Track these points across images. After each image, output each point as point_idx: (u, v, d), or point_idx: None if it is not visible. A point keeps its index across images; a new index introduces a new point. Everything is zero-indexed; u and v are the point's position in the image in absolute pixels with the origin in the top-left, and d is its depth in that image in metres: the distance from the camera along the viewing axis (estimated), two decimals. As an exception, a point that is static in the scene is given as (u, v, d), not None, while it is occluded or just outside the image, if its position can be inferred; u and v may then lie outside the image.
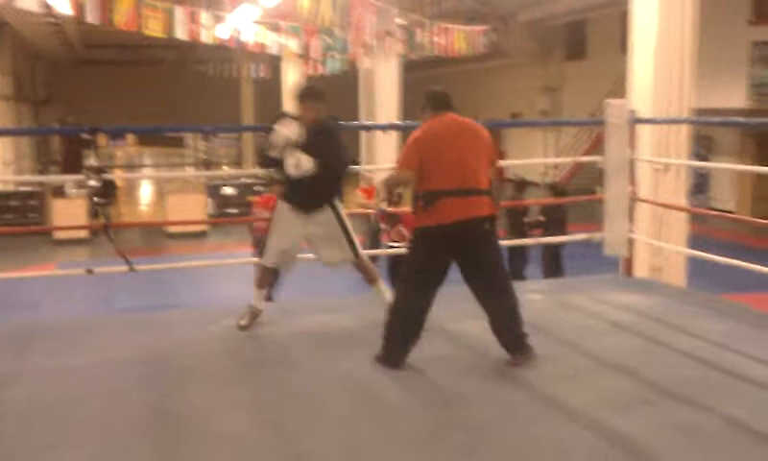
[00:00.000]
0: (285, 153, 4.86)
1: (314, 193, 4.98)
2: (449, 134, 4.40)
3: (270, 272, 5.26)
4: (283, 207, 5.07)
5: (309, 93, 5.05)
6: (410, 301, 4.41)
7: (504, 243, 5.17)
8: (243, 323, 5.10)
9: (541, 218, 10.63)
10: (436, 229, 4.31)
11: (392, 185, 4.64)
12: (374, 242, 13.98)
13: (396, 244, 10.26)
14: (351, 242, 5.13)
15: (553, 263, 10.65)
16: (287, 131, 4.87)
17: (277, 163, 4.95)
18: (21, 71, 29.16)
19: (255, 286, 5.21)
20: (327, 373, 4.35)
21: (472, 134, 4.48)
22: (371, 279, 5.26)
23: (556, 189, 13.07)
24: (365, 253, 5.36)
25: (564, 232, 9.57)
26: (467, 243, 4.34)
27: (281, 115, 5.05)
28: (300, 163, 4.82)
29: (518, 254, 10.67)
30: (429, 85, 4.66)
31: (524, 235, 10.28)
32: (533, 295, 6.17)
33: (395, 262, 10.45)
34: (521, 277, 10.26)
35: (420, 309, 4.39)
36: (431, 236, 4.34)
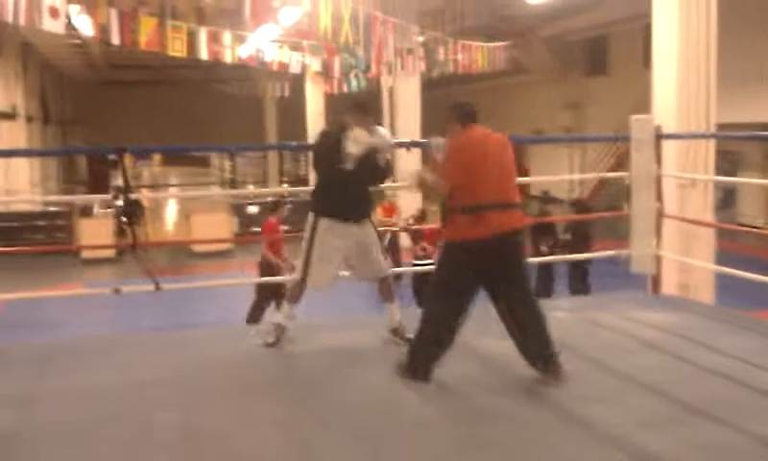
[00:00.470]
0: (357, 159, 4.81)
1: (360, 201, 4.98)
2: (486, 148, 4.43)
3: (304, 287, 5.10)
4: (322, 223, 4.94)
5: (367, 107, 5.08)
6: (444, 313, 4.38)
7: (531, 260, 5.15)
8: (270, 340, 5.08)
9: (569, 237, 10.51)
10: (478, 242, 4.29)
11: (429, 191, 4.73)
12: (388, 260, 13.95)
13: (420, 261, 10.29)
14: (383, 256, 5.14)
15: (580, 280, 10.56)
16: (365, 137, 4.84)
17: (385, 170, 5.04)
18: (47, 92, 29.55)
19: (287, 301, 5.18)
20: (354, 390, 4.34)
21: (504, 147, 4.52)
22: (389, 297, 5.20)
23: (579, 206, 13.00)
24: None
25: (588, 249, 9.49)
26: (501, 256, 4.34)
27: (343, 126, 4.93)
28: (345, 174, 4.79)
29: (546, 272, 10.61)
30: (451, 102, 4.63)
31: (551, 253, 10.21)
32: (560, 313, 6.12)
33: (420, 280, 10.45)
34: (549, 294, 10.19)
35: (453, 322, 4.36)
36: (470, 250, 4.30)
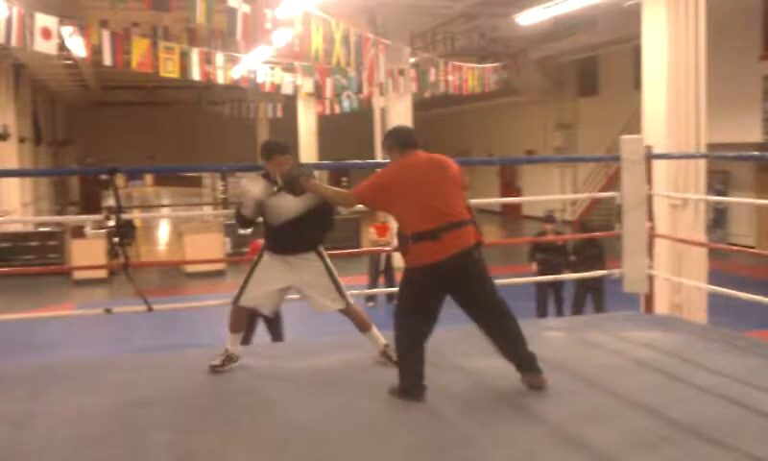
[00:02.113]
0: (256, 210, 4.98)
1: (298, 238, 4.98)
2: (422, 173, 4.46)
3: (244, 315, 5.18)
4: (265, 255, 5.07)
5: (275, 148, 5.07)
6: (411, 328, 4.46)
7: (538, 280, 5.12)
8: (215, 363, 5.03)
9: (572, 259, 10.38)
10: (431, 266, 4.35)
11: (326, 196, 4.86)
12: (377, 279, 13.96)
13: None
14: (339, 289, 5.08)
15: (587, 301, 10.43)
16: (255, 189, 4.96)
17: (251, 222, 5.10)
18: (39, 113, 29.55)
19: (230, 331, 5.14)
20: (346, 412, 4.32)
21: (442, 168, 4.55)
22: (363, 327, 5.19)
23: (586, 226, 12.86)
24: (355, 295, 5.34)
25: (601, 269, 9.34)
26: (460, 275, 4.40)
27: (257, 172, 5.15)
28: (281, 210, 4.93)
29: (556, 292, 10.52)
30: (389, 129, 4.77)
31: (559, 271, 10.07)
32: (553, 332, 6.14)
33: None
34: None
35: (423, 333, 4.46)
36: (427, 273, 4.37)
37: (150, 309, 5.40)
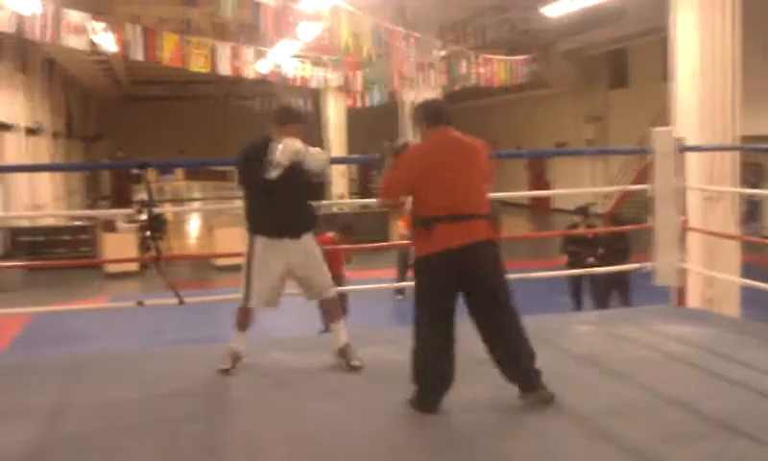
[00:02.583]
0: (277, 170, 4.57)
1: (295, 217, 4.75)
2: (446, 154, 4.15)
3: (251, 314, 4.94)
4: (259, 242, 4.78)
5: (296, 114, 4.85)
6: (428, 341, 4.10)
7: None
8: (224, 367, 4.86)
9: (601, 252, 10.26)
10: (437, 256, 4.03)
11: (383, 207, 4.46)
12: (406, 273, 13.93)
13: None
14: (326, 274, 4.93)
15: (615, 295, 10.35)
16: (293, 145, 4.59)
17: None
18: (71, 108, 29.89)
19: (236, 328, 4.96)
20: (375, 407, 4.31)
21: (471, 153, 4.22)
22: (333, 317, 4.99)
23: (617, 218, 12.72)
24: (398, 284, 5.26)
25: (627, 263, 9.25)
26: (469, 268, 4.06)
27: (264, 140, 4.72)
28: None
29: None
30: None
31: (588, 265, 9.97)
32: (583, 326, 6.11)
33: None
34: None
35: (440, 348, 4.09)
36: (436, 263, 4.05)
37: (181, 302, 5.43)
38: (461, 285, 4.09)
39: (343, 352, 4.93)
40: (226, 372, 4.84)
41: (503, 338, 4.13)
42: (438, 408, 4.10)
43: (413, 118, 4.42)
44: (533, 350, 4.13)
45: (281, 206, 4.66)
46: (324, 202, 5.18)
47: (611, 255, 9.65)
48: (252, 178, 4.71)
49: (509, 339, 4.12)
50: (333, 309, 5.00)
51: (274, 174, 4.57)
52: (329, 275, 4.99)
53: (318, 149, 4.85)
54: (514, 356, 4.11)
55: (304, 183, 4.73)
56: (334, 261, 9.72)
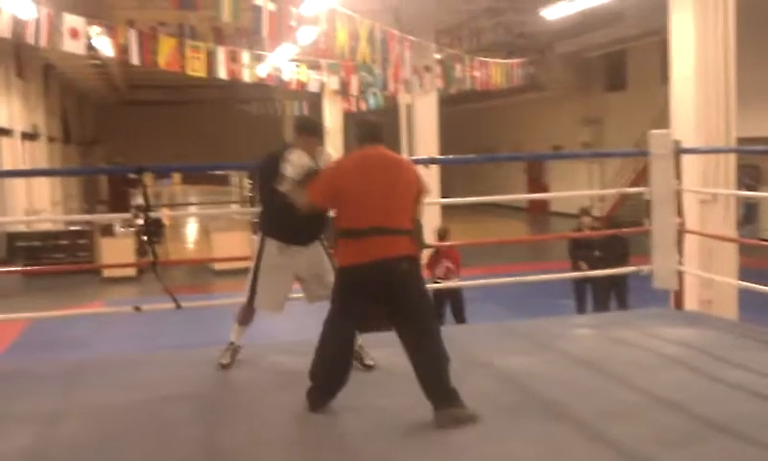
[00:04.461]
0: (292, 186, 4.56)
1: (306, 225, 4.77)
2: (372, 170, 4.20)
3: (253, 312, 5.03)
4: (269, 245, 4.88)
5: (311, 127, 4.90)
6: (331, 346, 4.20)
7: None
8: (224, 361, 5.00)
9: (597, 254, 10.28)
10: (357, 268, 4.10)
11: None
12: None
13: (440, 279, 10.23)
14: (330, 280, 4.86)
15: (613, 298, 10.39)
16: (303, 160, 4.55)
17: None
18: (68, 113, 29.88)
19: (237, 322, 5.09)
20: (372, 412, 4.27)
21: (397, 170, 4.27)
22: None
23: (614, 222, 12.76)
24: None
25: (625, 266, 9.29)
26: (384, 285, 4.09)
27: (285, 147, 4.75)
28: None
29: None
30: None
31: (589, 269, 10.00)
32: (581, 329, 6.11)
33: (438, 298, 10.41)
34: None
35: (340, 354, 4.20)
36: (353, 276, 4.14)
37: (179, 307, 5.43)
38: (378, 299, 4.14)
39: (356, 355, 4.91)
40: (226, 367, 4.98)
41: (418, 355, 4.10)
42: (324, 409, 4.20)
43: (354, 135, 4.44)
44: (446, 367, 4.06)
45: (294, 214, 4.64)
46: None
47: (609, 259, 9.67)
48: (268, 188, 4.81)
49: (423, 356, 4.09)
50: None
51: (283, 187, 4.59)
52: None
53: (329, 153, 4.91)
54: (427, 373, 4.07)
55: None
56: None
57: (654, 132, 6.34)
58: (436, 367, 4.06)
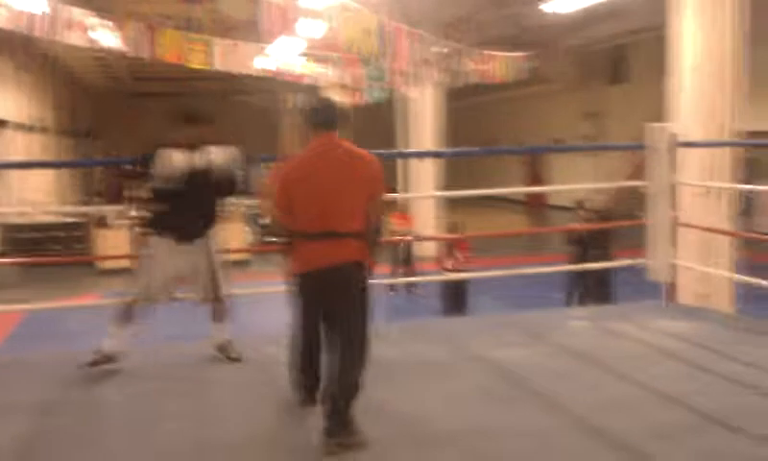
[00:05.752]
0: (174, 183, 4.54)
1: (193, 220, 4.71)
2: (322, 166, 3.81)
3: (133, 310, 4.82)
4: (154, 241, 4.75)
5: (198, 115, 4.76)
6: (293, 352, 4.10)
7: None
8: (88, 361, 4.77)
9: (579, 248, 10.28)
10: (306, 275, 3.83)
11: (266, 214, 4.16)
12: (402, 270, 13.93)
13: (451, 271, 10.25)
14: (217, 278, 4.91)
15: (597, 289, 10.42)
16: (181, 159, 4.55)
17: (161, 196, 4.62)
18: (70, 105, 29.86)
19: (114, 326, 4.81)
20: (364, 403, 4.10)
21: (351, 166, 3.86)
22: (220, 318, 5.05)
23: (605, 216, 12.77)
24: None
25: (608, 258, 9.35)
26: (327, 288, 3.80)
27: (163, 144, 4.67)
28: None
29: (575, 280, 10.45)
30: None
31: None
32: (576, 322, 6.10)
33: (452, 290, 10.42)
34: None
35: (300, 361, 4.06)
36: (302, 284, 3.88)
37: (174, 299, 5.41)
38: (322, 306, 3.88)
39: (222, 348, 5.07)
40: (90, 365, 4.75)
41: (337, 373, 3.72)
42: (303, 401, 4.09)
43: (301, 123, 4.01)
44: (352, 396, 3.68)
45: (178, 210, 4.63)
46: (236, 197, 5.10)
47: (597, 252, 9.74)
48: (148, 184, 4.68)
49: (340, 377, 3.71)
50: (220, 312, 5.05)
51: (156, 184, 4.58)
52: (221, 281, 4.94)
53: (220, 148, 4.79)
54: (335, 397, 3.68)
55: (199, 188, 4.65)
56: None
57: (651, 125, 6.33)
58: (346, 394, 3.67)
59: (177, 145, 4.65)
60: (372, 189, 3.89)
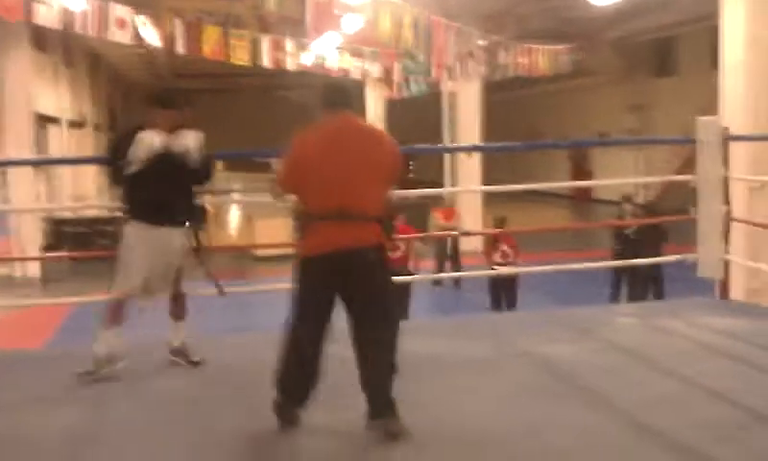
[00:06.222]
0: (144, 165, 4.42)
1: (169, 206, 4.58)
2: (337, 143, 3.67)
3: (125, 306, 4.67)
4: (129, 228, 4.61)
5: (166, 99, 4.66)
6: (295, 346, 3.71)
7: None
8: (84, 369, 4.56)
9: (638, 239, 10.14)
10: (317, 259, 3.62)
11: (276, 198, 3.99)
12: (444, 265, 13.91)
13: (500, 265, 10.19)
14: (181, 272, 4.78)
15: (646, 285, 10.29)
16: (156, 138, 4.45)
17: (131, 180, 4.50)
18: (115, 102, 30.31)
19: (105, 328, 4.64)
20: (409, 398, 3.97)
21: (366, 144, 3.73)
22: (180, 315, 4.87)
23: (650, 208, 12.63)
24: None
25: (659, 253, 9.16)
26: (345, 277, 3.62)
27: (136, 128, 4.55)
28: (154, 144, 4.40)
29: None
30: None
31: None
32: (625, 318, 6.03)
33: (499, 283, 10.36)
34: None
35: (306, 355, 3.70)
36: (312, 268, 3.65)
37: (222, 293, 5.43)
38: (338, 293, 3.66)
39: (179, 352, 4.86)
40: (87, 375, 4.56)
41: (370, 360, 3.63)
42: (296, 417, 3.76)
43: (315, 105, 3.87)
44: (391, 376, 3.62)
45: (154, 194, 4.51)
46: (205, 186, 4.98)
47: (647, 248, 9.55)
48: (114, 173, 4.60)
49: (370, 359, 3.63)
50: (181, 308, 4.89)
51: (132, 169, 4.45)
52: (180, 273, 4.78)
53: (192, 133, 4.69)
54: (369, 379, 3.63)
55: (175, 172, 4.55)
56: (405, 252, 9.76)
57: (701, 118, 6.21)
58: (385, 377, 3.61)
59: (152, 128, 4.53)
60: (388, 171, 3.76)
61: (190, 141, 4.60)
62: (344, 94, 3.83)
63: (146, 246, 4.55)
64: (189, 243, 4.75)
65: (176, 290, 4.82)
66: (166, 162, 4.49)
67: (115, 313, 4.65)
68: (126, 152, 4.44)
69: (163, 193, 4.53)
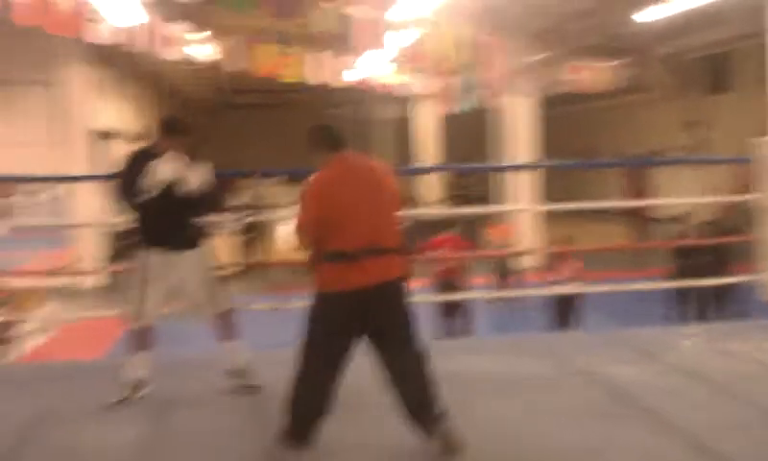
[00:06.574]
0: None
1: (180, 230, 4.58)
2: (357, 180, 3.75)
3: (148, 333, 4.70)
4: (142, 255, 4.59)
5: (180, 126, 4.67)
6: (314, 378, 3.70)
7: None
8: (121, 396, 4.55)
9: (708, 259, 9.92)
10: (346, 295, 3.63)
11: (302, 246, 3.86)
12: (504, 282, 13.79)
13: (561, 282, 10.04)
14: (215, 291, 4.72)
15: (709, 306, 10.05)
16: (167, 167, 4.45)
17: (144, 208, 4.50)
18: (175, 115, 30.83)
19: (131, 354, 4.66)
20: (467, 416, 4.02)
21: (378, 178, 3.82)
22: (228, 335, 4.74)
23: (714, 227, 12.37)
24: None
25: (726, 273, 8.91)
26: (374, 306, 3.66)
27: (146, 154, 4.57)
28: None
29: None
30: (312, 126, 3.94)
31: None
32: (688, 340, 5.91)
33: (563, 302, 10.22)
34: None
35: (324, 388, 3.69)
36: (339, 303, 3.65)
37: (276, 309, 5.45)
38: (365, 327, 3.69)
39: (238, 374, 4.71)
40: (121, 402, 4.54)
41: (410, 381, 3.68)
42: (309, 445, 3.72)
43: (309, 142, 3.91)
44: (435, 393, 3.69)
45: (167, 220, 4.53)
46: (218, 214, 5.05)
47: (711, 267, 9.32)
48: (130, 194, 4.54)
49: (415, 383, 3.69)
50: (226, 327, 4.77)
51: (146, 196, 4.45)
52: (220, 292, 4.76)
53: (201, 165, 4.68)
54: (419, 400, 3.68)
55: (184, 199, 4.56)
56: (456, 266, 9.76)
57: (758, 139, 6.09)
58: (432, 393, 3.69)
59: (163, 152, 4.53)
60: (398, 200, 3.88)
61: (198, 175, 4.61)
62: (341, 133, 3.90)
63: (156, 272, 4.56)
64: (208, 262, 4.73)
65: (218, 310, 4.73)
66: (174, 188, 4.50)
67: (139, 340, 4.67)
68: (135, 179, 4.44)
69: (172, 219, 4.55)
